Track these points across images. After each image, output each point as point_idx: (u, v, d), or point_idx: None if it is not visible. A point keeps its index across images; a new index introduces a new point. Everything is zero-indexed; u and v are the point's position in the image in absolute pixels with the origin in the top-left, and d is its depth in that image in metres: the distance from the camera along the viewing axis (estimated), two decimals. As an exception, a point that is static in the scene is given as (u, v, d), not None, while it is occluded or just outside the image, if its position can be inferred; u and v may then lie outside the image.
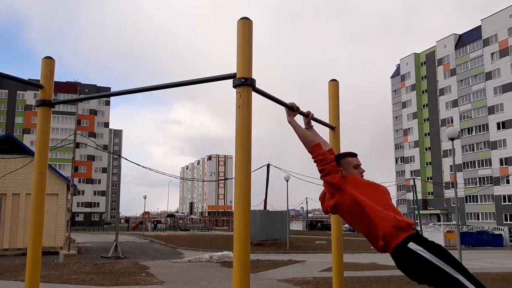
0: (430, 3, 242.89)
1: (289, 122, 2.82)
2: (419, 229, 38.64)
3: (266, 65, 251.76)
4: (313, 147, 2.72)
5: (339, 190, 2.58)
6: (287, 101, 2.82)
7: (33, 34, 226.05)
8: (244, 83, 2.20)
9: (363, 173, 2.78)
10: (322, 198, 2.75)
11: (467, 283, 2.21)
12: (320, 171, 2.67)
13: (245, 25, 2.26)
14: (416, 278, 2.40)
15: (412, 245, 2.37)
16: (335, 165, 2.66)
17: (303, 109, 3.12)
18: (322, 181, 2.67)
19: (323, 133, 3.47)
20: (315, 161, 2.71)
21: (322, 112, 3.56)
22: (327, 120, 3.43)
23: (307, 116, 3.07)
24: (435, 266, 2.29)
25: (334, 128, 3.40)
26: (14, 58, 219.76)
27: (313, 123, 3.16)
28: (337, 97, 3.50)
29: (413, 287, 11.28)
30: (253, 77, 2.23)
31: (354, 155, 2.79)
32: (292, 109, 2.82)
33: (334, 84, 3.50)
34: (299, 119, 3.18)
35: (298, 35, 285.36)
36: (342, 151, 3.35)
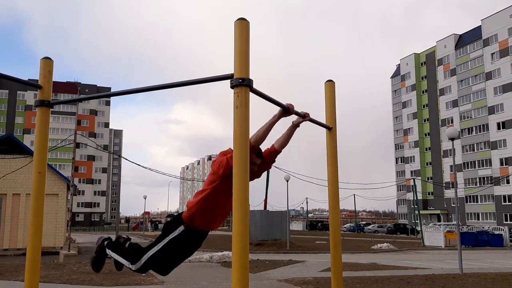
0: (430, 3, 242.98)
1: (274, 116, 2.90)
2: (419, 229, 38.62)
3: (266, 65, 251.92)
4: (252, 147, 2.87)
5: (215, 181, 3.03)
6: (287, 101, 2.83)
7: (33, 34, 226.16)
8: (242, 83, 2.20)
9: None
10: (218, 165, 3.02)
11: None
12: (230, 167, 2.80)
13: (242, 26, 2.27)
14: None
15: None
16: (228, 170, 2.87)
17: (302, 110, 3.12)
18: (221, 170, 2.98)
19: (321, 133, 3.49)
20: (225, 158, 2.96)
21: (322, 112, 3.57)
22: (324, 121, 3.43)
23: (304, 117, 3.08)
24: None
25: (331, 129, 3.40)
26: (14, 58, 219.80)
27: (311, 124, 3.18)
28: (333, 97, 3.50)
29: (413, 287, 11.29)
30: (251, 77, 2.24)
31: None
32: (287, 110, 2.84)
33: (330, 84, 3.51)
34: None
35: (298, 35, 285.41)
36: (339, 151, 3.38)
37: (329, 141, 3.39)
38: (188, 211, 3.13)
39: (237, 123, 2.18)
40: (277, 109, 2.84)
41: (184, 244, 3.17)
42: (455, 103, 75.73)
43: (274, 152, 3.24)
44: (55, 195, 23.82)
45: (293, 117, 3.12)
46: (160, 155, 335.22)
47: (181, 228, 3.13)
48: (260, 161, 3.09)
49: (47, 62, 2.83)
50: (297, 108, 2.97)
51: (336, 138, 3.41)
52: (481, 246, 32.09)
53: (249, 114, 2.21)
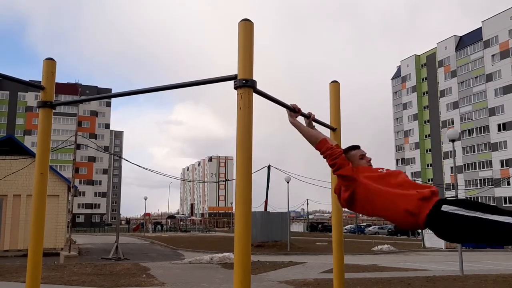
0: (431, 5, 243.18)
1: (291, 123, 2.81)
2: (419, 230, 38.56)
3: (269, 66, 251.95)
4: (320, 143, 2.71)
5: (353, 181, 2.56)
6: (289, 102, 2.81)
7: (35, 35, 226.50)
8: (245, 84, 2.19)
9: (371, 161, 2.77)
10: (338, 191, 2.70)
11: (504, 219, 2.13)
12: (331, 166, 2.65)
13: (246, 27, 2.26)
14: (461, 239, 2.36)
15: (445, 207, 2.27)
16: (344, 158, 2.64)
17: (305, 110, 3.12)
18: (336, 175, 2.64)
19: (325, 134, 3.47)
20: (324, 157, 2.69)
21: (324, 113, 3.56)
22: (328, 122, 3.43)
23: (309, 117, 3.07)
24: (476, 220, 2.17)
25: (335, 130, 3.40)
26: (15, 59, 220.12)
27: (314, 124, 3.16)
28: (338, 98, 3.50)
29: (414, 288, 11.27)
30: (255, 78, 2.23)
31: (357, 147, 2.80)
32: (293, 111, 2.82)
33: (335, 85, 3.50)
34: (301, 121, 3.18)
35: (301, 36, 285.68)
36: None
37: (332, 143, 3.38)
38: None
39: (240, 124, 2.17)
40: (281, 109, 2.82)
41: None
42: (455, 105, 75.73)
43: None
44: (55, 196, 23.80)
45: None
46: (160, 156, 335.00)
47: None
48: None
49: (50, 63, 2.83)
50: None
51: (340, 139, 3.40)
52: (482, 248, 32.07)
53: (252, 115, 2.19)
